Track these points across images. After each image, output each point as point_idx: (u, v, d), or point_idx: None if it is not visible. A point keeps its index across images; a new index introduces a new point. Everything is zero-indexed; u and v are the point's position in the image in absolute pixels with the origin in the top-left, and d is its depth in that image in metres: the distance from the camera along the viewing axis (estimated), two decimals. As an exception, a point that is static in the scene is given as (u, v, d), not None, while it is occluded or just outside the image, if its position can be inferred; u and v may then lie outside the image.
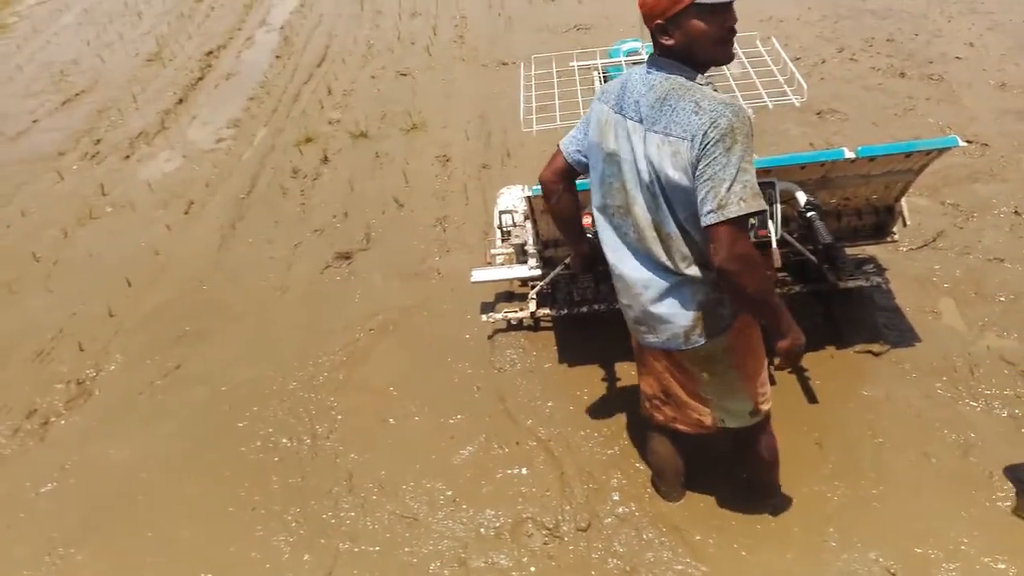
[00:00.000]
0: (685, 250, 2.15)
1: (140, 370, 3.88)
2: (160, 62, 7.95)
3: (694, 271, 2.17)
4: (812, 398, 3.23)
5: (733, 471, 2.82)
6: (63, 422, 3.64)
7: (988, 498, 2.76)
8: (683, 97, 1.99)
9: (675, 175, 2.00)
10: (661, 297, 2.24)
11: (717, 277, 2.07)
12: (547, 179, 2.45)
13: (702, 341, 2.27)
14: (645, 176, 2.10)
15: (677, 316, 2.24)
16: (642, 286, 2.26)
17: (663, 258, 2.18)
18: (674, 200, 2.07)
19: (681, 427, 2.56)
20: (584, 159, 2.36)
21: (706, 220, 1.95)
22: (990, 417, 3.08)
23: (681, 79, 2.03)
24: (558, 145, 2.43)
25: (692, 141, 1.94)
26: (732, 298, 2.18)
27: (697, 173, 1.95)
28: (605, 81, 3.84)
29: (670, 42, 2.01)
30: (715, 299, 2.22)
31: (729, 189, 1.91)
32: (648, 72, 2.10)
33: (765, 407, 2.48)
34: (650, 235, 2.18)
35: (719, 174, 1.92)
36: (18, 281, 4.70)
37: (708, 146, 1.92)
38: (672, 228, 2.12)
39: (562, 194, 2.47)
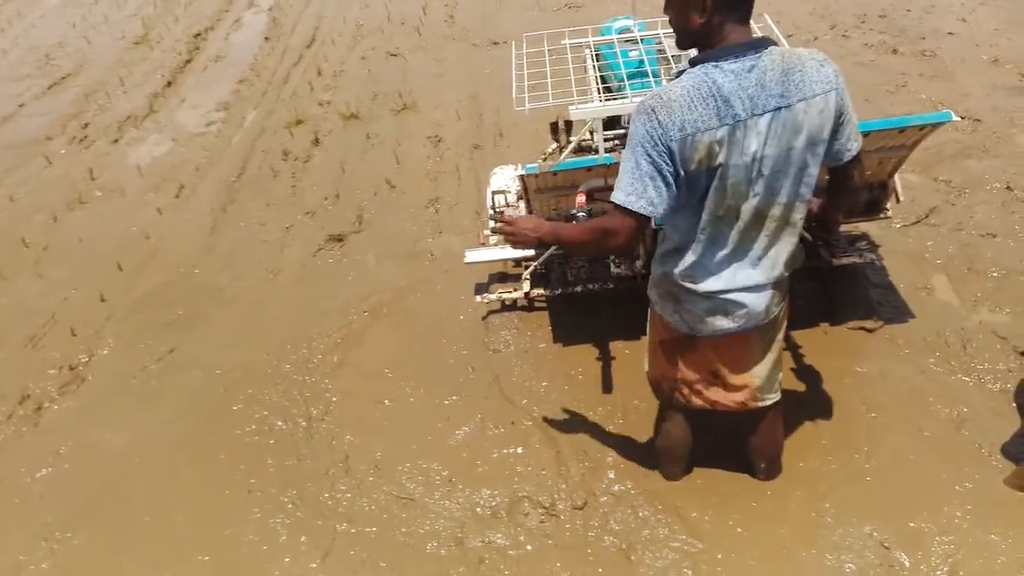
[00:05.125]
0: (791, 218, 2.17)
1: (133, 354, 3.87)
2: (147, 44, 7.86)
3: (790, 240, 2.21)
4: (807, 374, 3.24)
5: (729, 448, 2.83)
6: (57, 407, 3.63)
7: (980, 471, 2.78)
8: (802, 59, 1.98)
9: (821, 130, 2.03)
10: (750, 283, 2.22)
11: (853, 191, 2.31)
12: (636, 244, 2.35)
13: (777, 310, 2.33)
14: (771, 160, 2.03)
15: (763, 297, 2.25)
16: (729, 281, 2.22)
17: (756, 241, 2.18)
18: (809, 163, 2.07)
19: (720, 408, 2.54)
20: (669, 204, 2.09)
21: (853, 151, 2.13)
22: (982, 391, 3.09)
23: (775, 47, 2.01)
24: (633, 211, 2.05)
25: (838, 90, 2.01)
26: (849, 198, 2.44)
27: (842, 117, 2.06)
28: (597, 59, 3.81)
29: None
30: (789, 264, 2.26)
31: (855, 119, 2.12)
32: (744, 61, 1.95)
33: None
34: (752, 222, 2.14)
35: (850, 109, 2.08)
36: (8, 267, 4.66)
37: (844, 88, 2.03)
38: (792, 199, 2.11)
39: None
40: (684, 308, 2.32)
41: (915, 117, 2.95)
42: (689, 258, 2.22)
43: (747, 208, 2.11)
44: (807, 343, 3.38)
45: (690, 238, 2.19)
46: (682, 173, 2.03)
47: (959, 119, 3.01)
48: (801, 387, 3.19)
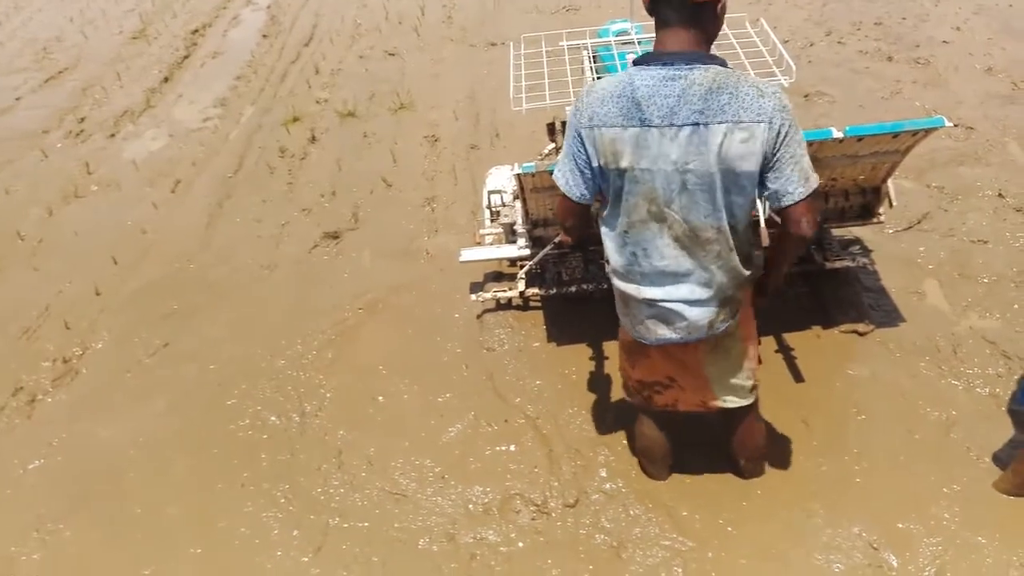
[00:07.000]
0: (730, 242, 2.13)
1: (127, 348, 3.87)
2: (145, 40, 7.86)
3: (734, 262, 2.17)
4: (799, 377, 3.27)
5: (719, 448, 2.84)
6: (50, 400, 3.63)
7: (969, 474, 2.81)
8: (739, 84, 1.93)
9: (744, 162, 1.97)
10: (692, 297, 2.22)
11: (794, 242, 2.13)
12: (576, 225, 2.34)
13: (723, 327, 2.30)
14: (695, 176, 2.02)
15: (705, 312, 2.25)
16: (670, 292, 2.23)
17: (700, 258, 2.16)
18: (732, 189, 2.03)
19: (682, 409, 2.57)
20: (590, 192, 2.21)
21: (795, 196, 2.01)
22: (971, 396, 3.12)
23: (718, 67, 1.97)
24: (563, 193, 2.24)
25: (769, 123, 1.93)
26: (789, 254, 2.28)
27: (776, 155, 1.97)
28: (595, 61, 3.83)
29: (713, 28, 1.97)
30: (737, 284, 2.23)
31: (807, 163, 2.00)
32: (670, 70, 1.96)
33: (757, 383, 2.53)
34: (686, 238, 2.14)
35: (796, 151, 1.97)
36: (2, 260, 4.66)
37: (784, 126, 1.94)
38: (721, 222, 2.09)
39: (587, 223, 2.40)
40: (631, 312, 2.36)
41: (908, 122, 2.97)
42: (619, 261, 2.27)
43: (676, 221, 2.11)
44: (799, 345, 3.40)
45: (616, 241, 2.24)
46: (595, 164, 2.12)
47: (952, 125, 3.03)
48: (792, 389, 3.22)
